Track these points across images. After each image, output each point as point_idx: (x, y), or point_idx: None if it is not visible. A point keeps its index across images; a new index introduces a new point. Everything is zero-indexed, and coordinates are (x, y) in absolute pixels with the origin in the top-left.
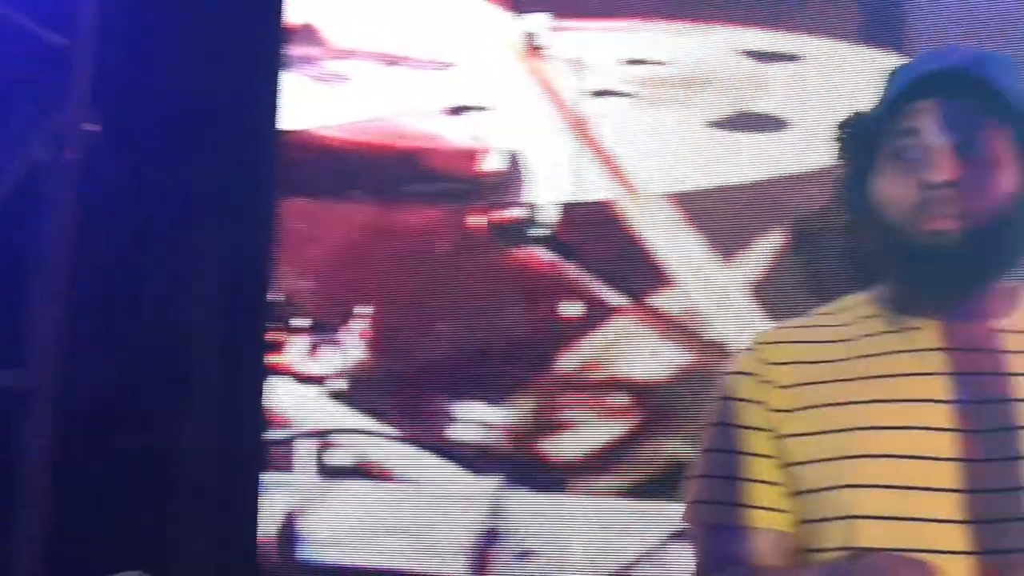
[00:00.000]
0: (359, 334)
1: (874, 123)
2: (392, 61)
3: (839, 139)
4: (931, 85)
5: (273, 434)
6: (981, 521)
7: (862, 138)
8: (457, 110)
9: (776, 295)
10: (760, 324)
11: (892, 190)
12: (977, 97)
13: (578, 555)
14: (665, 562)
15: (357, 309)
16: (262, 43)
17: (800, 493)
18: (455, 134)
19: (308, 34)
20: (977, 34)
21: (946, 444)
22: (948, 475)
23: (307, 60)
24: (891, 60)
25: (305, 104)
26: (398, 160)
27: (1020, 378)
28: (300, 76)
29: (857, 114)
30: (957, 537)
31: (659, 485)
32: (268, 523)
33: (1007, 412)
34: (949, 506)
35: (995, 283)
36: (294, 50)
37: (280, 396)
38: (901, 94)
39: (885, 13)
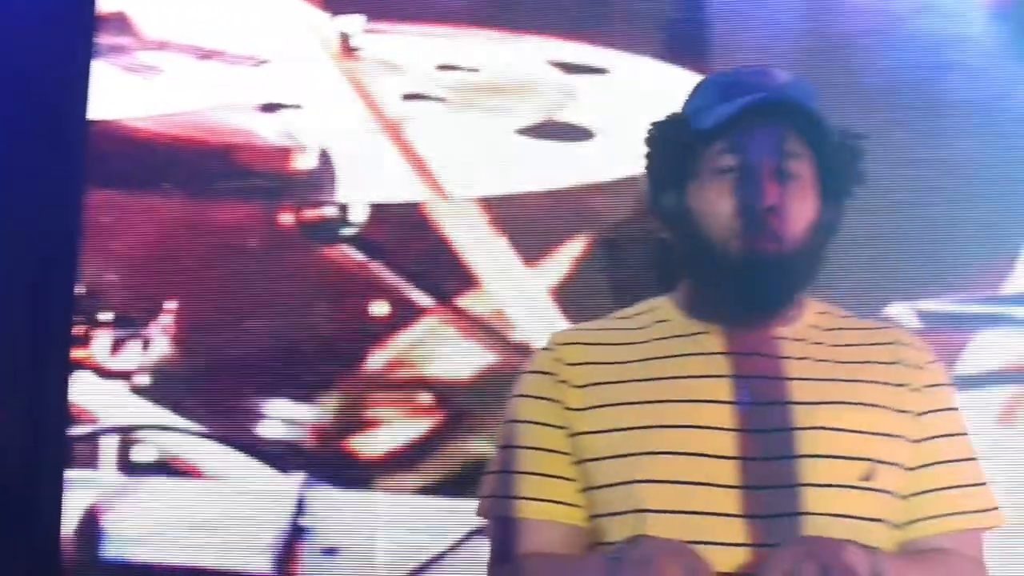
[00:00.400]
0: (166, 329)
1: (695, 136)
2: (206, 55)
3: (654, 144)
4: (760, 111)
5: (77, 430)
6: (757, 516)
7: (681, 148)
8: (271, 107)
9: (578, 299)
10: (561, 325)
11: (713, 205)
12: (797, 125)
13: (384, 551)
14: (468, 557)
15: (165, 304)
16: (73, 30)
17: (593, 488)
18: (268, 131)
19: (121, 23)
20: (777, 58)
21: (728, 443)
22: (728, 472)
23: (119, 50)
24: (690, 76)
25: (116, 95)
26: (210, 155)
27: (798, 382)
28: (111, 66)
29: (673, 122)
30: (736, 530)
31: (463, 482)
32: (71, 521)
33: (784, 414)
34: (729, 501)
35: None
36: (106, 39)
37: (84, 392)
38: (731, 117)
39: (685, 33)
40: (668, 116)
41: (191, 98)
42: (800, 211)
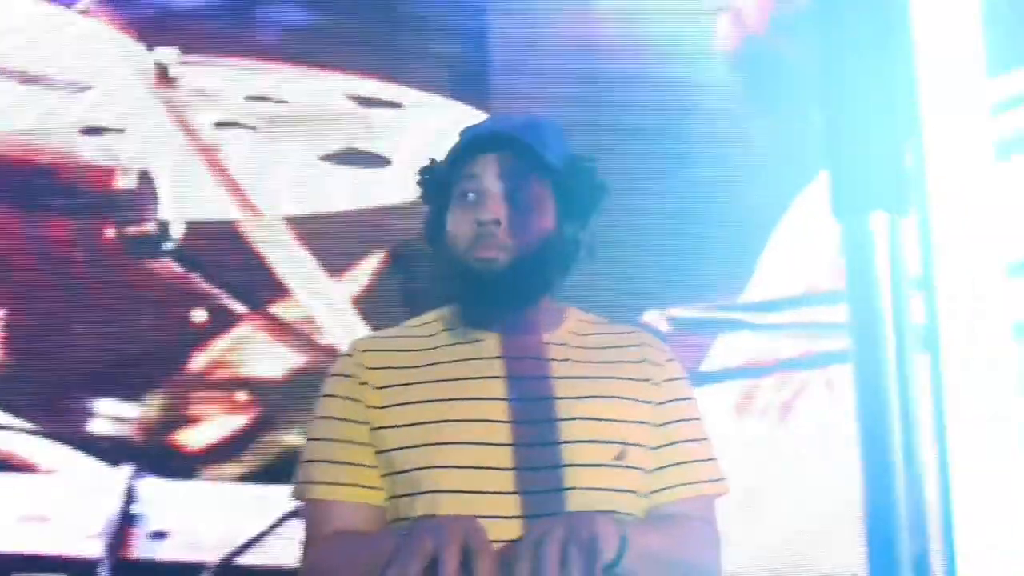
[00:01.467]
0: None
1: (447, 171)
2: (30, 80)
3: (420, 183)
4: (489, 143)
5: None
6: (528, 492)
7: (438, 183)
8: (93, 130)
9: (376, 307)
10: (362, 331)
11: (456, 225)
12: (522, 156)
13: (207, 534)
14: (283, 537)
15: None
16: None
17: (392, 474)
18: (91, 152)
19: None
20: (549, 98)
21: (503, 432)
22: (504, 457)
23: None
24: (474, 112)
25: None
26: (37, 173)
27: (560, 380)
28: None
29: (433, 162)
30: (510, 505)
31: (277, 471)
32: None
33: (549, 407)
34: (504, 481)
35: (543, 303)
36: None
37: None
38: (466, 148)
39: (471, 75)
40: (431, 160)
41: (17, 119)
42: (529, 225)
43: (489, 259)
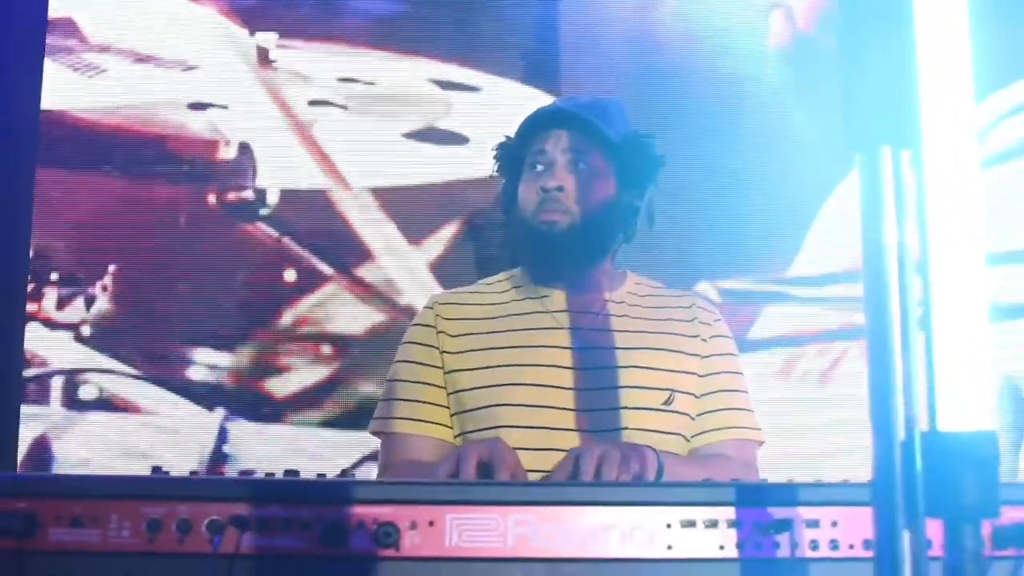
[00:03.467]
0: (106, 289)
1: (519, 145)
2: (142, 59)
3: (496, 157)
4: (555, 120)
5: (31, 372)
6: (585, 431)
7: (511, 157)
8: (199, 106)
9: (450, 272)
10: (438, 292)
11: (525, 193)
12: (585, 131)
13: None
14: (360, 475)
15: (107, 268)
16: (28, 33)
17: (463, 412)
18: (197, 125)
19: (68, 27)
20: (611, 83)
21: (565, 376)
22: (565, 398)
23: (67, 50)
24: (544, 96)
25: (64, 89)
26: (146, 143)
27: (618, 333)
28: (61, 64)
29: (508, 138)
30: (569, 440)
31: (356, 417)
32: (27, 448)
33: (608, 356)
34: (565, 419)
35: (604, 266)
36: (54, 40)
37: (36, 340)
38: (536, 124)
39: (541, 62)
40: (507, 137)
41: (130, 94)
42: (591, 193)
43: (552, 221)
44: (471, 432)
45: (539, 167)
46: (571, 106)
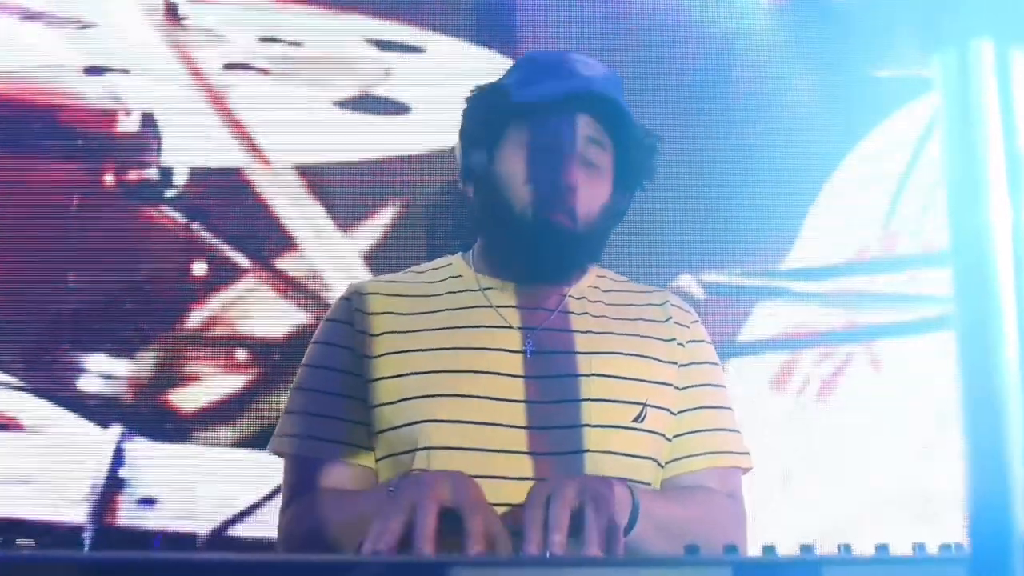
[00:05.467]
0: None
1: (514, 108)
2: (31, 16)
3: (473, 108)
4: (579, 99)
5: None
6: (541, 453)
7: (499, 117)
8: (95, 70)
9: (387, 264)
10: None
11: (519, 174)
12: (607, 119)
13: (201, 501)
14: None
15: None
16: None
17: (385, 431)
18: (93, 93)
19: None
20: (581, 46)
21: (513, 387)
22: (512, 414)
23: None
24: (500, 58)
25: None
26: (33, 114)
27: (578, 334)
28: None
29: (494, 91)
30: (517, 466)
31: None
32: None
33: (565, 362)
34: (511, 439)
35: None
36: None
37: None
38: (547, 98)
39: (496, 18)
40: (490, 84)
41: (16, 58)
42: (595, 195)
43: (558, 224)
44: (396, 455)
45: (544, 146)
46: (599, 84)
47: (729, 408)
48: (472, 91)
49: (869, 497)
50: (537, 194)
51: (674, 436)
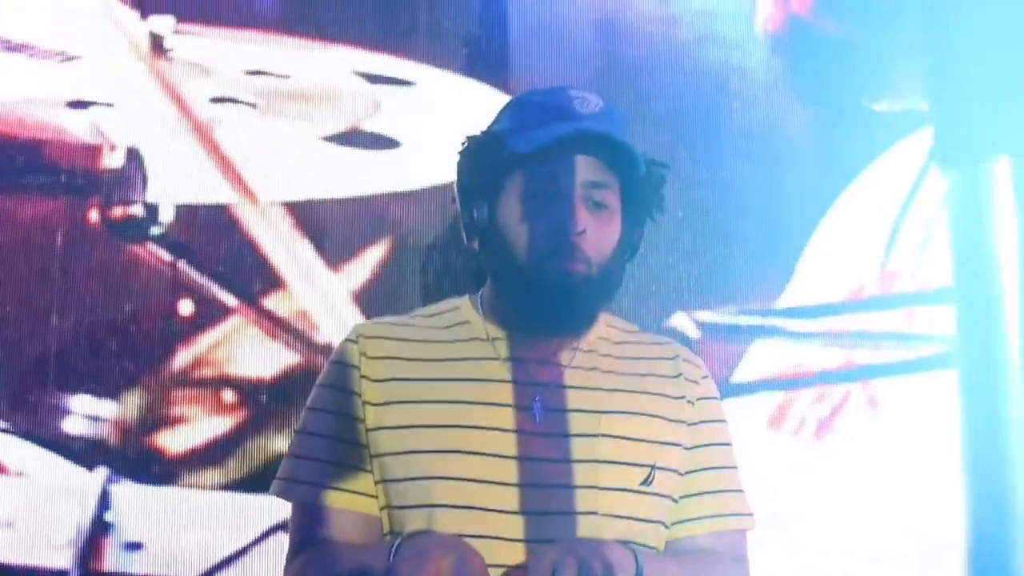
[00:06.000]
0: None
1: (511, 158)
2: (13, 48)
3: (469, 159)
4: (579, 142)
5: None
6: (536, 513)
7: (496, 167)
8: (80, 104)
9: (377, 304)
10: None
11: (525, 225)
12: (610, 157)
13: (188, 546)
14: (267, 552)
15: None
16: None
17: (386, 482)
18: (77, 127)
19: None
20: (566, 77)
21: (513, 443)
22: (511, 471)
23: None
24: (491, 93)
25: None
26: (16, 149)
27: (585, 391)
28: None
29: (489, 140)
30: (514, 526)
31: (265, 479)
32: None
33: (572, 420)
34: (509, 498)
35: None
36: None
37: None
38: (551, 141)
39: (488, 51)
40: (483, 133)
41: None
42: (606, 236)
43: (571, 272)
44: (397, 508)
45: (547, 193)
46: (597, 125)
47: (735, 467)
48: (464, 141)
49: (867, 540)
50: (546, 244)
51: (681, 497)
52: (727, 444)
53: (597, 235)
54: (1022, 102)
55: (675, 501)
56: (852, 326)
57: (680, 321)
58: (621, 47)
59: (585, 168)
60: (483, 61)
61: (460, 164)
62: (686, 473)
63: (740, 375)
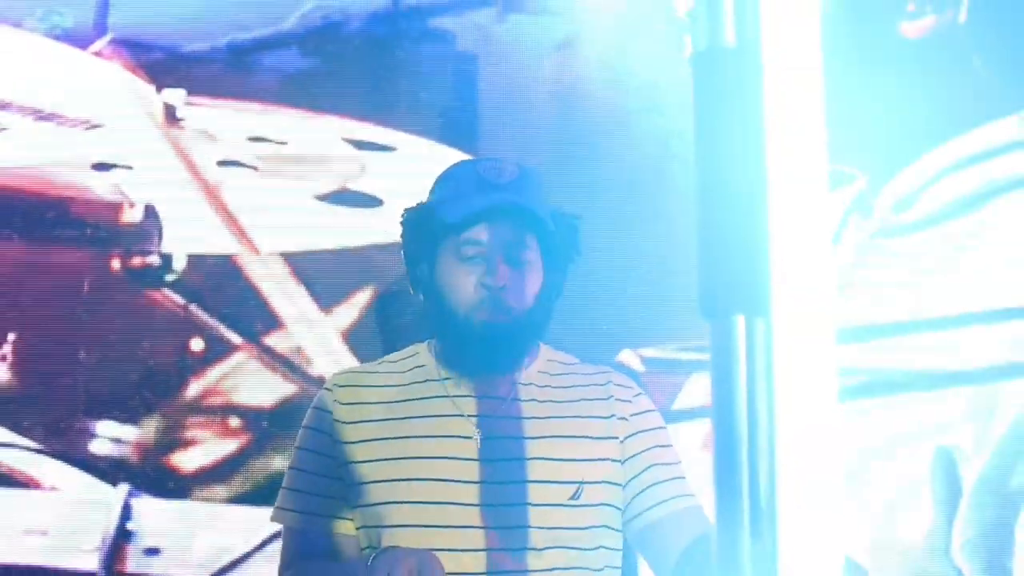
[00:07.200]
0: (5, 359)
1: (441, 226)
2: (44, 117)
3: (407, 229)
4: (493, 212)
5: None
6: (492, 527)
7: (429, 235)
8: (103, 166)
9: (363, 341)
10: (349, 362)
11: (455, 283)
12: (520, 219)
13: (199, 551)
14: (268, 556)
15: (6, 336)
16: None
17: (361, 507)
18: (100, 187)
19: None
20: (529, 144)
21: (470, 470)
22: (471, 493)
23: None
24: (463, 156)
25: None
26: (48, 206)
27: (524, 420)
28: None
29: (422, 211)
30: (475, 539)
31: (265, 493)
32: None
33: (512, 447)
34: (471, 516)
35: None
36: None
37: None
38: (469, 212)
39: (459, 119)
40: (419, 205)
41: (31, 154)
42: (526, 288)
43: (493, 323)
44: (371, 527)
45: (472, 255)
46: (507, 198)
47: (679, 463)
48: (404, 212)
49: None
50: (473, 299)
51: (635, 495)
52: (668, 445)
53: (517, 288)
54: (760, 264)
55: (618, 508)
56: None
57: (627, 357)
58: (576, 114)
59: (504, 231)
60: (456, 129)
61: (402, 232)
62: (635, 476)
63: (680, 403)
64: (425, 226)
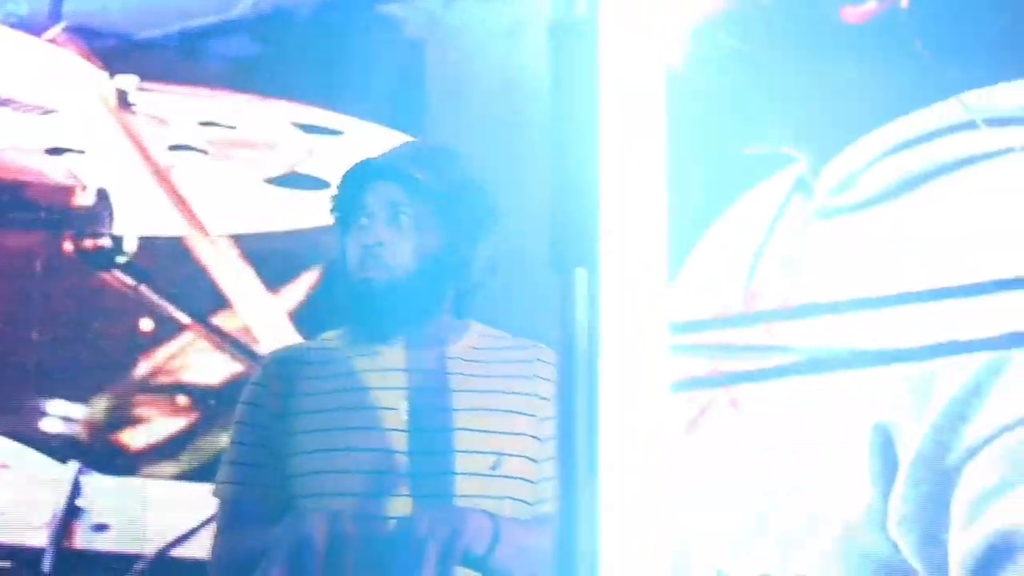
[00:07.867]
0: None
1: (343, 199)
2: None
3: (330, 212)
4: (371, 173)
5: None
6: (418, 496)
7: (340, 211)
8: (56, 150)
9: (310, 320)
10: (297, 341)
11: (346, 248)
12: (404, 182)
13: (148, 527)
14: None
15: None
16: None
17: (293, 477)
18: (54, 170)
19: None
20: (479, 127)
21: (396, 440)
22: (397, 463)
23: None
24: (408, 139)
25: None
26: (1, 189)
27: (451, 392)
28: None
29: (339, 189)
30: (402, 508)
31: (210, 470)
32: None
33: (438, 417)
34: (384, 485)
35: (443, 319)
36: None
37: None
38: (354, 178)
39: (406, 105)
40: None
41: None
42: (406, 248)
43: (371, 279)
44: (301, 497)
45: (363, 221)
46: (387, 158)
47: None
48: (330, 197)
49: (730, 525)
50: (355, 260)
51: (540, 480)
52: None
53: (396, 246)
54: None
55: (532, 481)
56: (718, 339)
57: None
58: (521, 102)
59: (385, 192)
60: (402, 114)
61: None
62: (541, 460)
63: None
64: (331, 208)
